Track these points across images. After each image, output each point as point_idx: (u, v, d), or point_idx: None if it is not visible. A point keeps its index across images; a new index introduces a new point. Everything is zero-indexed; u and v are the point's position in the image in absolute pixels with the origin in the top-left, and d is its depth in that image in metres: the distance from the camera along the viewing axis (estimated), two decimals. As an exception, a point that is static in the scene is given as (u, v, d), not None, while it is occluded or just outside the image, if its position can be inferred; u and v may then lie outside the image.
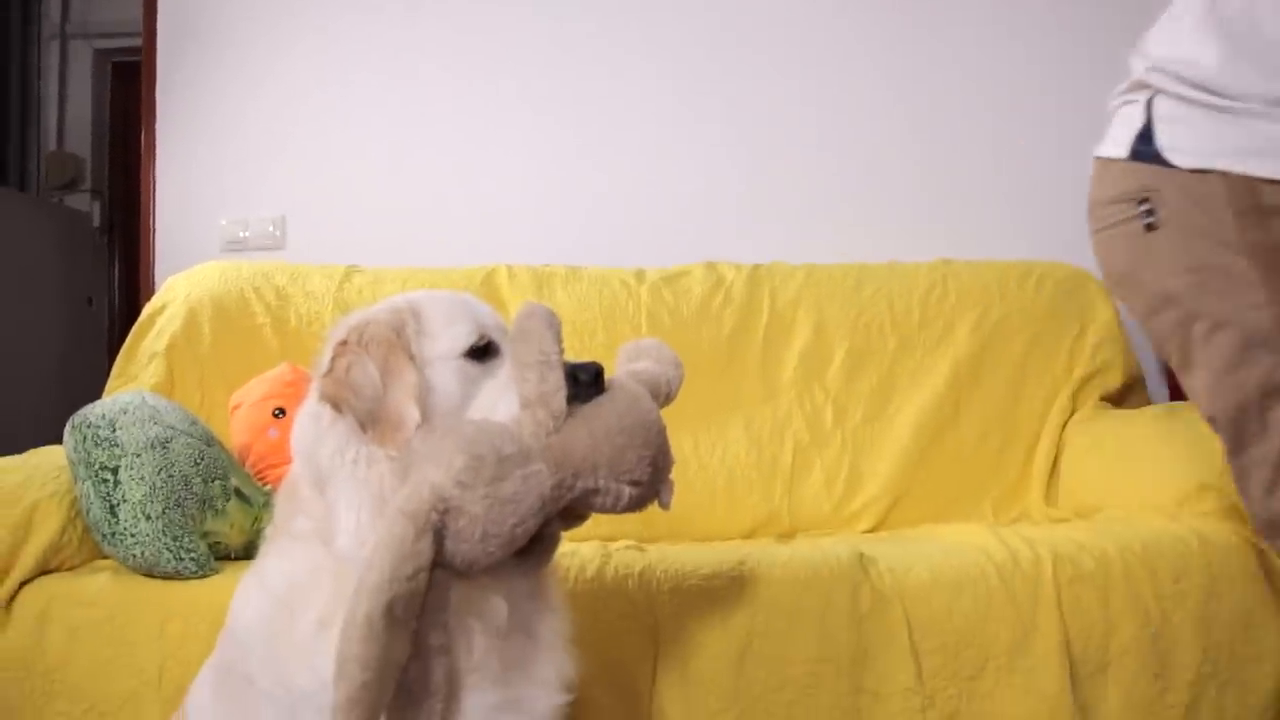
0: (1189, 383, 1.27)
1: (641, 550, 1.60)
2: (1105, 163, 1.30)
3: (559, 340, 1.03)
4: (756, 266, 2.27)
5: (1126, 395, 2.29)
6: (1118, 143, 1.27)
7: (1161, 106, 1.22)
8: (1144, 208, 1.22)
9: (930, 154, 2.51)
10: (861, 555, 1.52)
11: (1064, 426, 2.19)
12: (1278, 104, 1.15)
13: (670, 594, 1.46)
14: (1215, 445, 1.72)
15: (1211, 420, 1.26)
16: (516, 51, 2.51)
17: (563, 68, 2.51)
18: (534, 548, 1.04)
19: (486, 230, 2.46)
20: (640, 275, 2.25)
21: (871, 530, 2.12)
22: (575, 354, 1.09)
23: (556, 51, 2.51)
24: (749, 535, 2.09)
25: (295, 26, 2.54)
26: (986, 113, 2.53)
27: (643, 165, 2.49)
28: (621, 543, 1.67)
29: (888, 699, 1.46)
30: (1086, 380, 2.23)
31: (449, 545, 0.94)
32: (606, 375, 1.09)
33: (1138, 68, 1.28)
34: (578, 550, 1.53)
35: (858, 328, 2.21)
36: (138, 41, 2.62)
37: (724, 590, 1.46)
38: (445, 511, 0.94)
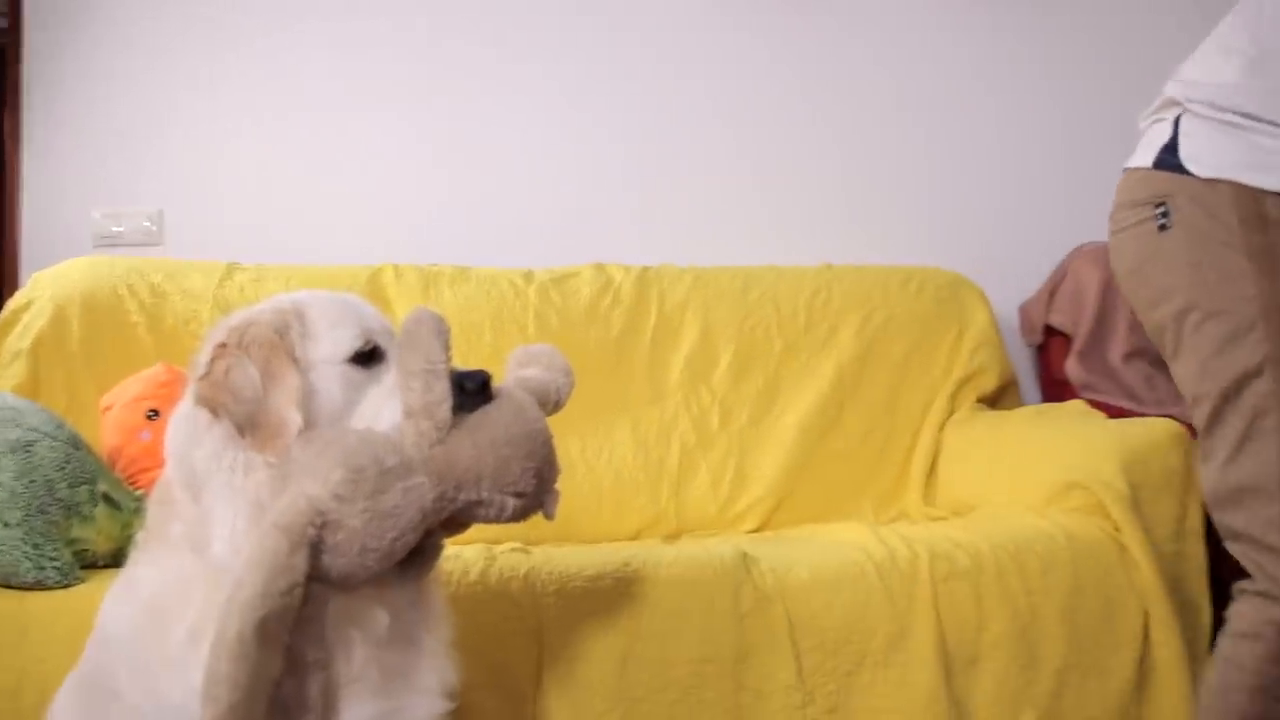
0: (1177, 368, 1.37)
1: (526, 552, 1.59)
2: (1131, 172, 1.41)
3: (447, 348, 1.02)
4: (645, 269, 2.28)
5: (1001, 396, 2.37)
6: (1145, 154, 1.39)
7: (1187, 123, 1.33)
8: (1160, 210, 1.33)
9: (816, 161, 2.56)
10: (744, 555, 1.54)
11: (942, 427, 2.26)
12: (1264, 120, 1.28)
13: (555, 596, 1.46)
14: (1082, 445, 1.82)
15: (1195, 401, 1.35)
16: (403, 49, 2.47)
17: (450, 66, 2.47)
18: (415, 559, 1.03)
19: (374, 228, 2.41)
20: (529, 276, 2.24)
21: (756, 530, 2.15)
22: (462, 356, 1.08)
23: (443, 50, 2.47)
24: (636, 537, 2.10)
25: (179, 14, 2.45)
26: (871, 121, 2.59)
27: (532, 165, 2.47)
28: (506, 545, 1.66)
29: (769, 696, 1.48)
30: (964, 382, 2.31)
31: (326, 559, 0.93)
32: (495, 383, 1.08)
33: (1172, 89, 1.38)
34: (461, 553, 1.51)
35: (744, 330, 2.24)
36: (3, 23, 2.50)
37: (608, 592, 1.47)
38: (322, 525, 0.92)
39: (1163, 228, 1.33)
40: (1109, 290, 2.31)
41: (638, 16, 2.51)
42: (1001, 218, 2.64)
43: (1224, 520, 1.33)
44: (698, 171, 2.51)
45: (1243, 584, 1.33)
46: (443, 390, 0.99)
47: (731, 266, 2.33)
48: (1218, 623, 1.74)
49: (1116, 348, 2.29)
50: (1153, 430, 1.79)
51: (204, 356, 1.03)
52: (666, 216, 2.48)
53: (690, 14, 2.52)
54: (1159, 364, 2.24)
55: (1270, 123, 1.28)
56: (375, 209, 2.44)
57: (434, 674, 1.07)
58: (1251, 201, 1.28)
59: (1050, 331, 2.44)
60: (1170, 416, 1.92)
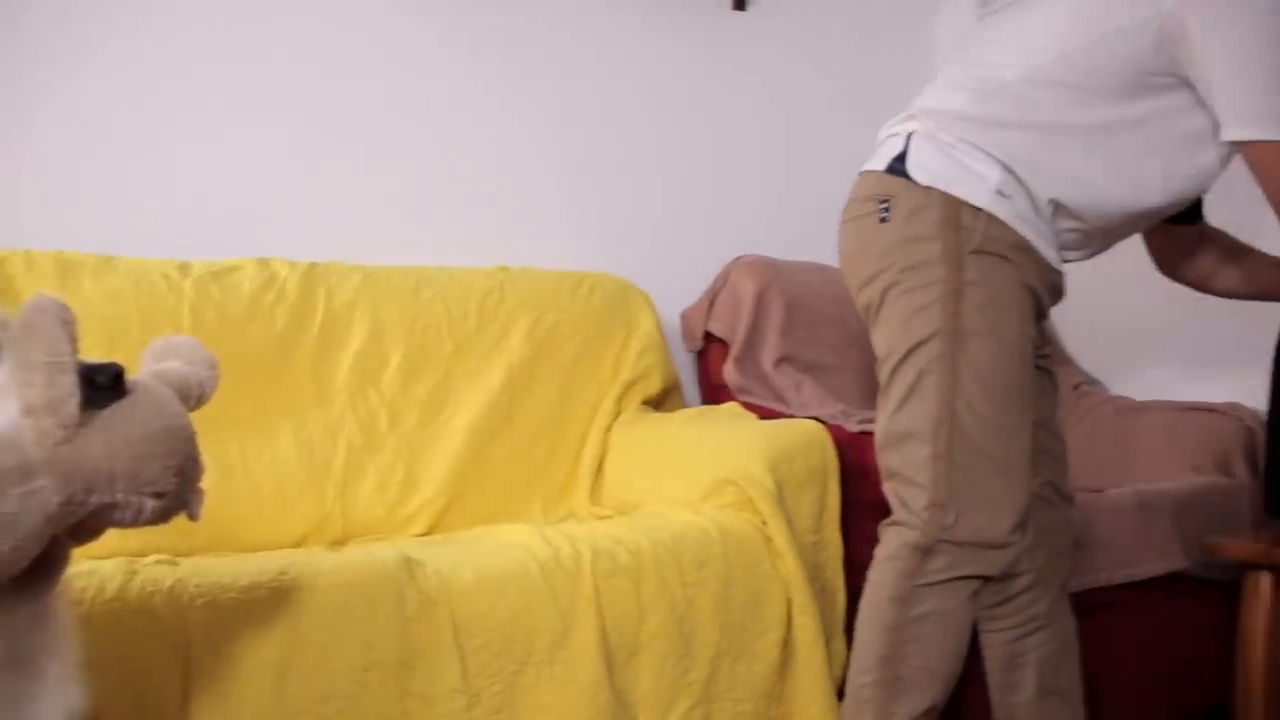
0: (875, 335, 1.58)
1: (174, 564, 1.48)
2: (866, 174, 1.62)
3: (73, 339, 0.92)
4: (312, 265, 2.18)
5: (665, 399, 2.48)
6: (880, 161, 1.59)
7: (916, 140, 1.55)
8: (883, 206, 1.54)
9: (494, 163, 2.55)
10: (408, 559, 1.51)
11: (609, 429, 2.33)
12: (974, 147, 1.50)
13: (204, 609, 1.37)
14: (734, 445, 1.94)
15: (881, 361, 1.56)
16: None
17: (101, 44, 2.25)
18: (38, 571, 0.93)
19: (3, 212, 2.16)
20: (184, 269, 2.08)
21: (426, 533, 2.12)
22: (107, 355, 0.99)
23: (90, 30, 2.25)
24: (299, 544, 2.01)
25: None
26: (548, 127, 2.62)
27: (191, 152, 2.30)
28: (152, 557, 1.54)
29: (434, 701, 1.47)
30: (631, 385, 2.39)
31: (-70, 575, 0.82)
32: (130, 376, 1.00)
33: (908, 111, 1.61)
34: (98, 568, 1.38)
35: (415, 331, 2.20)
36: None
37: (264, 602, 1.39)
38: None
39: (883, 220, 1.54)
40: (763, 300, 2.48)
41: (311, 8, 2.41)
42: (668, 228, 2.76)
43: (884, 461, 1.56)
44: (369, 168, 2.42)
45: (886, 521, 1.55)
46: (67, 384, 0.90)
47: (403, 266, 2.28)
48: (851, 605, 1.91)
49: (768, 354, 2.45)
50: (797, 430, 1.92)
51: None
52: (336, 213, 2.38)
53: (368, 6, 2.45)
54: (806, 369, 2.44)
55: (975, 150, 1.51)
56: (7, 191, 2.18)
57: (58, 700, 0.97)
58: (952, 208, 1.49)
59: (710, 338, 2.57)
60: (814, 418, 2.09)
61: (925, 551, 1.48)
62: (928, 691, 1.50)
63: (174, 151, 2.28)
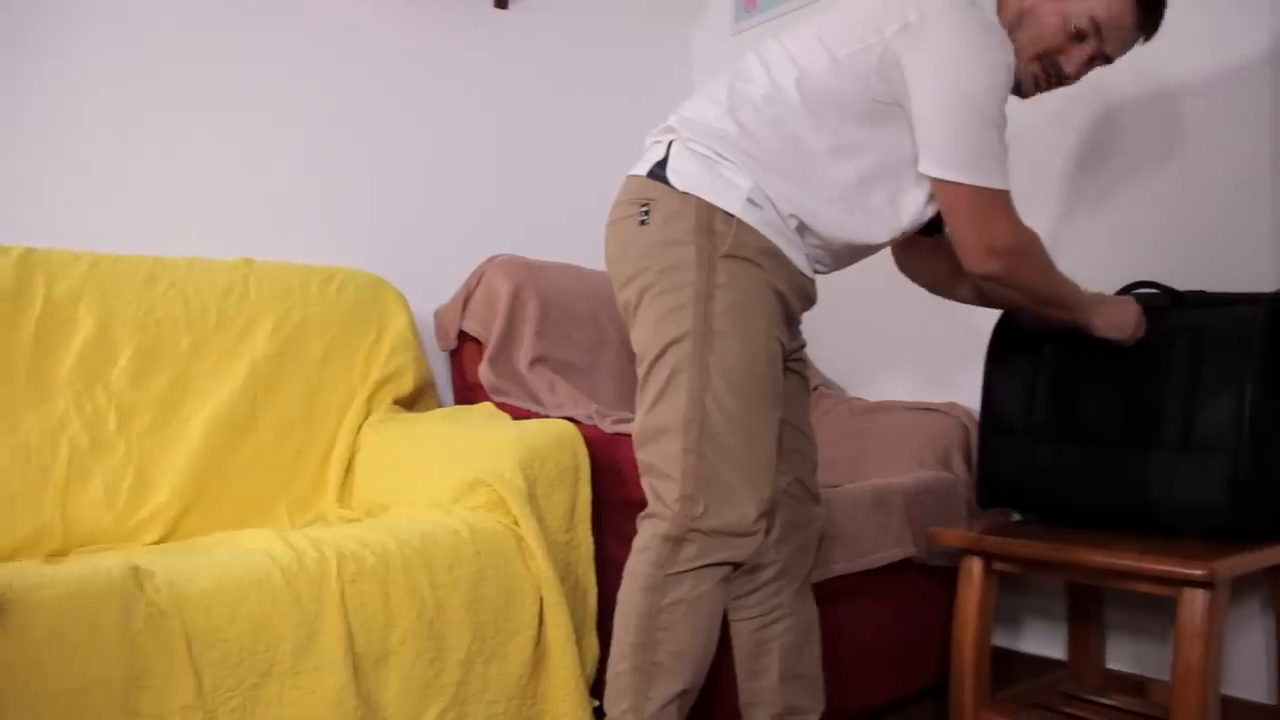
0: (634, 334, 1.62)
1: None
2: (631, 178, 1.66)
3: None
4: (29, 251, 2.00)
5: (418, 399, 2.44)
6: (643, 166, 1.64)
7: (676, 148, 1.61)
8: (643, 209, 1.60)
9: (240, 151, 2.44)
10: (137, 569, 1.41)
11: (360, 429, 2.27)
12: (726, 158, 1.57)
13: (-106, 633, 1.24)
14: (487, 445, 1.93)
15: (639, 360, 1.61)
16: None
17: None
18: None
19: None
20: (-127, 253, 1.88)
21: (160, 541, 2.00)
22: None
23: None
24: (13, 557, 1.84)
25: None
26: (300, 119, 2.53)
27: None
28: None
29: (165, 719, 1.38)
30: (382, 384, 2.34)
31: None
32: None
33: (672, 120, 1.65)
34: None
35: (148, 325, 2.06)
36: None
37: (-34, 622, 1.27)
38: None
39: (642, 223, 1.59)
40: (517, 300, 2.48)
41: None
42: (423, 225, 2.72)
43: (641, 456, 1.60)
44: (96, 149, 2.26)
45: (642, 514, 1.60)
46: None
47: (135, 255, 2.13)
48: (603, 603, 1.95)
49: (523, 355, 2.45)
50: (548, 430, 1.93)
51: None
52: (55, 196, 2.20)
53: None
54: (560, 370, 2.46)
55: (728, 161, 1.57)
56: None
57: None
58: (706, 213, 1.55)
59: (464, 337, 2.55)
60: (568, 418, 2.11)
61: (676, 541, 1.54)
62: (681, 675, 1.55)
63: None
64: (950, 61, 1.53)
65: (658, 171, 1.61)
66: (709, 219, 1.55)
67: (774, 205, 1.58)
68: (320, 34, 2.58)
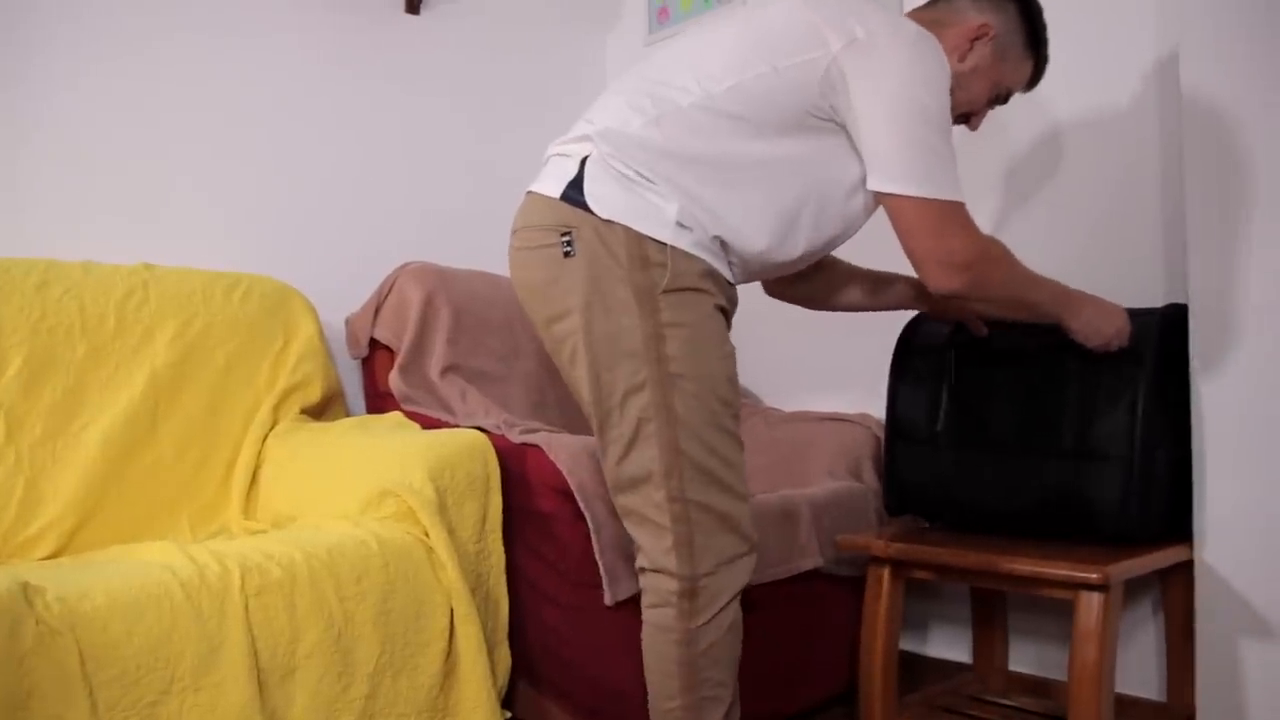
0: (574, 375, 1.57)
1: None
2: (538, 196, 1.58)
3: None
4: (-89, 254, 1.93)
5: (327, 408, 2.40)
6: (553, 184, 1.56)
7: (591, 166, 1.53)
8: (565, 238, 1.52)
9: (142, 152, 2.37)
10: (26, 585, 1.36)
11: (265, 439, 2.22)
12: (648, 179, 1.51)
13: None
14: (396, 454, 1.90)
15: (590, 405, 1.56)
16: None
17: None
18: None
19: None
20: None
21: (53, 556, 1.93)
22: None
23: None
24: (-109, 572, 1.77)
25: None
26: (208, 123, 2.47)
27: None
28: None
29: (57, 741, 1.33)
30: (289, 393, 2.29)
31: None
32: None
33: (584, 128, 1.57)
34: None
35: (40, 332, 1.99)
36: None
37: None
38: None
39: (567, 254, 1.52)
40: (430, 308, 2.45)
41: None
42: (333, 232, 2.68)
43: (620, 501, 1.59)
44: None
45: (640, 562, 1.60)
46: None
47: (27, 259, 2.06)
48: (514, 613, 1.94)
49: (435, 363, 2.42)
50: (459, 440, 1.91)
51: None
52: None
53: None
54: (473, 379, 2.44)
55: (651, 183, 1.51)
56: None
57: None
58: (636, 244, 1.50)
59: (375, 345, 2.51)
60: (478, 428, 2.09)
61: (690, 595, 1.54)
62: (726, 698, 1.59)
63: None
64: (900, 76, 1.51)
65: (573, 194, 1.53)
66: (640, 250, 1.50)
67: (701, 224, 1.53)
68: (228, 36, 2.52)
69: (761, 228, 1.57)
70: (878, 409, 2.50)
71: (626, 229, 1.50)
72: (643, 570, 1.60)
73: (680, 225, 1.52)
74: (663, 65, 1.61)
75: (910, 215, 1.53)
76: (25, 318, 1.99)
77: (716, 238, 1.56)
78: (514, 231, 1.64)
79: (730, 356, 1.59)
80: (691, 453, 1.52)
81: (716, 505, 1.55)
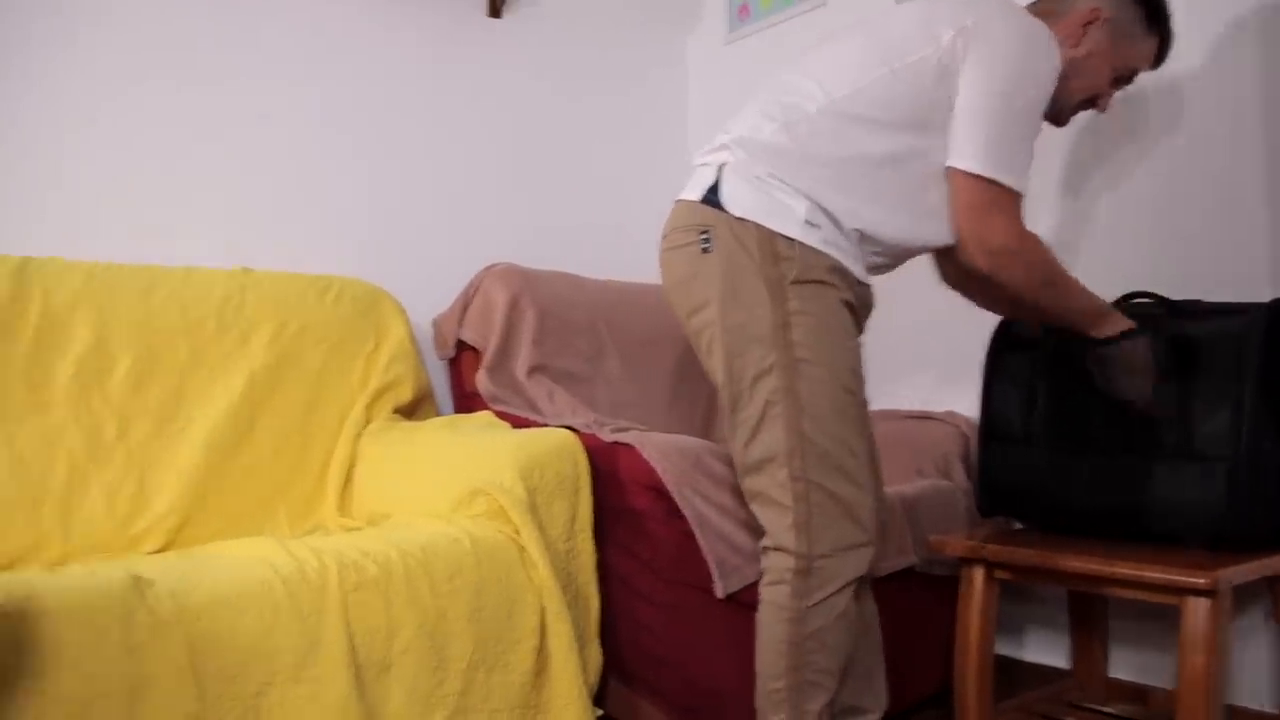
0: (710, 364, 1.66)
1: None
2: (683, 202, 1.70)
3: None
4: (26, 260, 2.00)
5: (417, 408, 2.43)
6: (695, 191, 1.68)
7: (727, 172, 1.64)
8: (704, 236, 1.63)
9: (239, 161, 2.43)
10: (138, 579, 1.40)
11: (359, 438, 2.26)
12: (780, 180, 1.60)
13: (-107, 644, 1.22)
14: (486, 453, 1.92)
15: (721, 388, 1.65)
16: None
17: None
18: None
19: None
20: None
21: (160, 550, 1.99)
22: None
23: None
24: (10, 566, 1.83)
25: None
26: (299, 127, 2.53)
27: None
28: None
29: (167, 730, 1.37)
30: (381, 393, 2.33)
31: None
32: None
33: (722, 139, 1.68)
34: None
35: (145, 335, 2.06)
36: None
37: (-35, 633, 1.26)
38: None
39: (705, 250, 1.62)
40: (515, 310, 2.48)
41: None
42: (421, 234, 2.72)
43: (747, 484, 1.65)
44: (93, 157, 2.25)
45: (764, 541, 1.64)
46: None
47: (132, 265, 2.13)
48: (604, 612, 1.94)
49: (521, 363, 2.45)
50: (548, 439, 1.93)
51: None
52: (52, 205, 2.20)
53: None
54: (559, 379, 2.46)
55: (782, 183, 1.60)
56: None
57: None
58: (768, 240, 1.59)
59: (462, 346, 2.54)
60: (567, 427, 2.10)
61: (805, 573, 1.59)
62: (830, 687, 1.62)
63: None
64: (1007, 64, 1.59)
65: (711, 197, 1.64)
66: (772, 244, 1.59)
67: (834, 221, 1.61)
68: (317, 44, 2.57)
69: (901, 217, 1.65)
70: (964, 407, 2.47)
71: (758, 226, 1.59)
72: (765, 550, 1.65)
73: (808, 223, 1.60)
74: (791, 77, 1.70)
75: (967, 192, 1.62)
76: (132, 321, 2.06)
77: (856, 230, 1.63)
78: (663, 236, 1.74)
79: (855, 350, 1.65)
80: (814, 436, 1.58)
81: (837, 490, 1.59)
